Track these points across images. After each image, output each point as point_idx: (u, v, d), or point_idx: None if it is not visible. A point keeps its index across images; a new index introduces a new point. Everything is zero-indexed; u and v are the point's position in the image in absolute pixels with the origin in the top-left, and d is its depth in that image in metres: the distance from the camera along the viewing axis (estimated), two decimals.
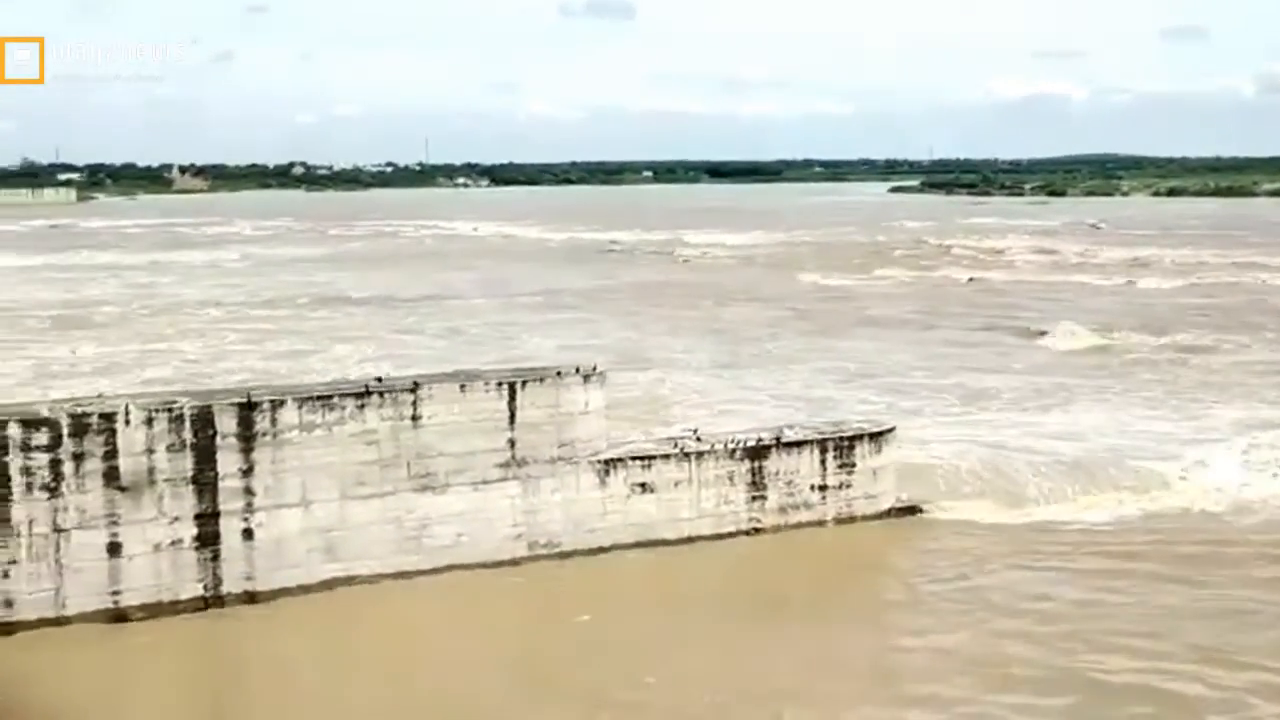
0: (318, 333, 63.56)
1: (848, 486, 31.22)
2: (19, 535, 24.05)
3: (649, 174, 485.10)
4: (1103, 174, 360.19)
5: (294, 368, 50.64)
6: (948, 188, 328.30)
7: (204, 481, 25.41)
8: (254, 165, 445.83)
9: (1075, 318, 66.09)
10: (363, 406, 26.65)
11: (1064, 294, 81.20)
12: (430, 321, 68.45)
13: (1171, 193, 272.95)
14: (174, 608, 25.15)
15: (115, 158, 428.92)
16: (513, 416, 27.94)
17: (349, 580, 26.40)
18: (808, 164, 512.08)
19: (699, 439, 30.39)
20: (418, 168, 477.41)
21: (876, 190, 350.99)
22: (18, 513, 24.03)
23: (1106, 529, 30.92)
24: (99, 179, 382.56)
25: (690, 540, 29.48)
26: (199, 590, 25.45)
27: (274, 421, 25.90)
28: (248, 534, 25.77)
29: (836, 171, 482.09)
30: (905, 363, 54.08)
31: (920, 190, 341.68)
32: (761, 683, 22.55)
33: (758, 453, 30.44)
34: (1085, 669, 22.82)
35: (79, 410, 24.66)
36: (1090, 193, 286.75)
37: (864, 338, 62.53)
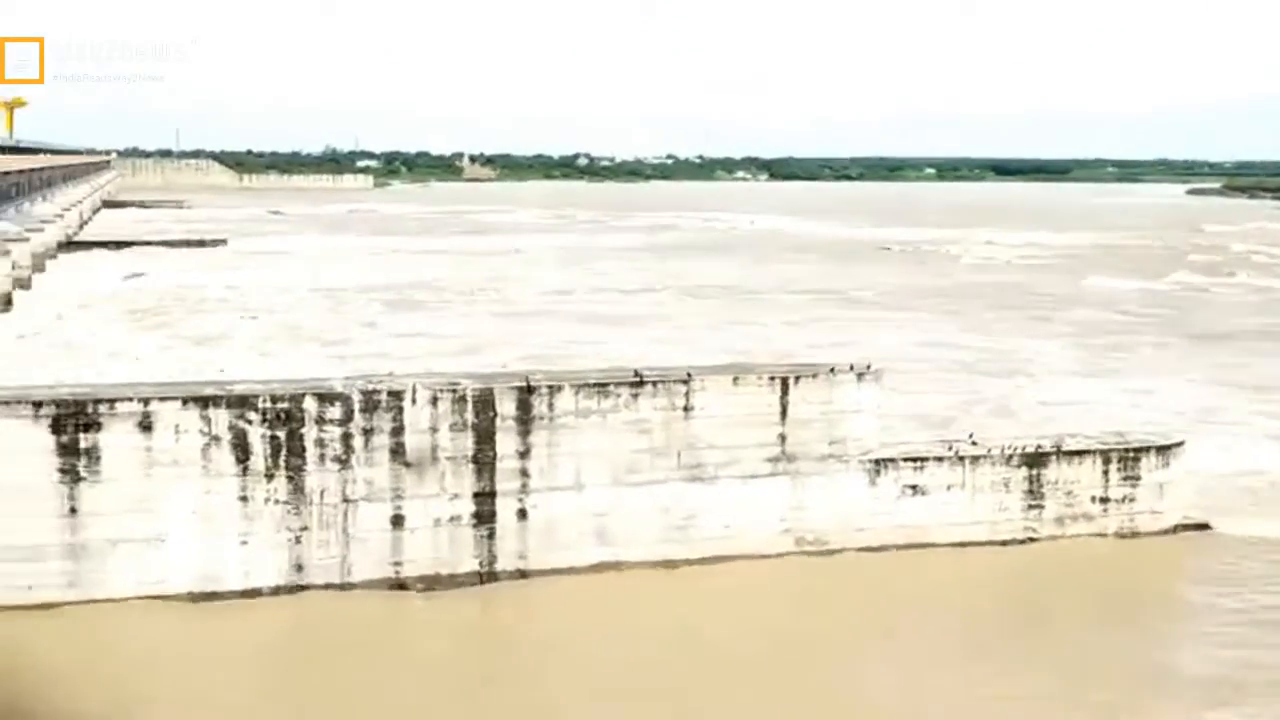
0: (744, 320, 63.96)
1: (1131, 500, 29.92)
2: (311, 504, 25.36)
3: (931, 171, 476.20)
4: None
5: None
6: (1250, 191, 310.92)
7: (483, 461, 26.24)
8: (539, 156, 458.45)
9: None
10: (636, 395, 27.01)
11: None
12: (767, 314, 68.28)
13: None
14: (451, 580, 26.07)
15: (410, 146, 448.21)
16: (784, 411, 27.85)
17: (617, 565, 26.81)
18: (1099, 163, 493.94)
19: (974, 442, 29.65)
20: (698, 161, 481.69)
21: (1173, 192, 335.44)
22: (311, 482, 25.34)
23: None
24: (394, 166, 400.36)
25: (961, 545, 28.79)
26: (474, 565, 26.30)
27: (551, 406, 26.54)
28: (522, 514, 26.48)
29: (1130, 172, 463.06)
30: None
31: (1221, 193, 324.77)
32: (1038, 691, 21.87)
33: (1036, 459, 29.48)
34: None
35: (370, 387, 25.80)
36: None
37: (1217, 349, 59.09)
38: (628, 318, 65.76)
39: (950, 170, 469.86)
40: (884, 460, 28.62)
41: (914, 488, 28.75)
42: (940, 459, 29.04)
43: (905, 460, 28.82)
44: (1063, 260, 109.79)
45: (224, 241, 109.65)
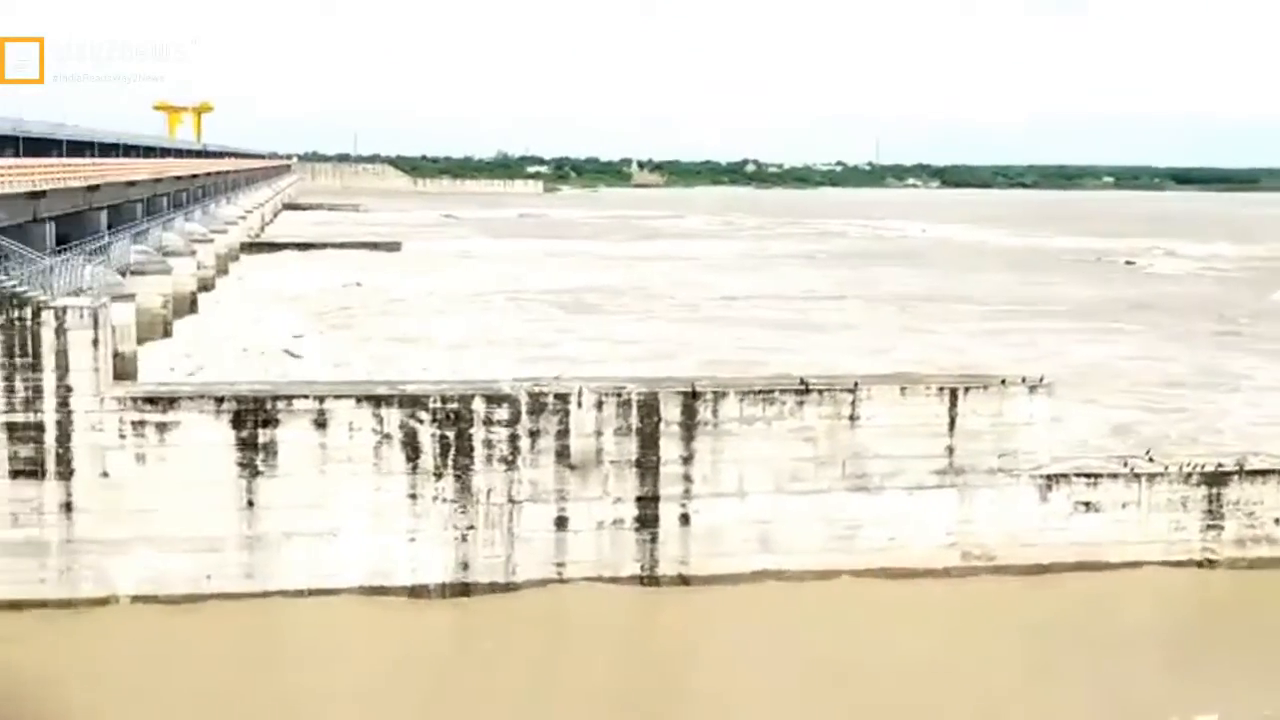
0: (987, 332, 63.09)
1: None
2: (478, 503, 25.77)
3: (1109, 179, 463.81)
4: None
5: None
6: None
7: (646, 466, 26.34)
8: (708, 162, 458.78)
9: None
10: (802, 403, 26.82)
11: None
12: (956, 324, 66.45)
13: None
14: (612, 583, 26.21)
15: (579, 152, 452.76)
16: (952, 423, 27.37)
17: (779, 574, 26.65)
18: None
19: (1151, 459, 28.75)
20: (867, 167, 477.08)
21: None
22: (478, 482, 25.75)
23: None
24: (564, 172, 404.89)
25: (1135, 565, 27.93)
26: (636, 569, 26.41)
27: (715, 412, 26.51)
28: (684, 519, 26.50)
29: None
30: None
31: None
32: None
33: (1216, 479, 28.45)
34: None
35: (537, 389, 26.11)
36: None
37: None
38: (814, 325, 64.59)
39: (1129, 178, 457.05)
40: (1056, 475, 27.92)
41: (1086, 504, 27.98)
42: (1115, 475, 28.21)
43: (1078, 476, 28.07)
44: (1246, 273, 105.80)
45: (398, 245, 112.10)
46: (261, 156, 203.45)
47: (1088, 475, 28.10)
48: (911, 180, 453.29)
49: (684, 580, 26.52)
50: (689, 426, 26.46)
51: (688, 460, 26.50)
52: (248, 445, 24.93)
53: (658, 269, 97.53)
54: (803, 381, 27.26)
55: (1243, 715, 21.56)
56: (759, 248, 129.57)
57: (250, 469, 24.95)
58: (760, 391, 26.87)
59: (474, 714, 21.48)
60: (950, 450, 27.39)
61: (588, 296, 75.76)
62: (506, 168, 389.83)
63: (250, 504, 24.97)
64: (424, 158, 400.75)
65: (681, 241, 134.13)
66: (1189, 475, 28.35)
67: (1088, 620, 25.85)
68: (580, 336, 58.32)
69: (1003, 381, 27.97)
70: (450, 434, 25.61)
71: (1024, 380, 28.03)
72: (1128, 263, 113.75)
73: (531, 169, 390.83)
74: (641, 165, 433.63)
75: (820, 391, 26.96)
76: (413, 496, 25.58)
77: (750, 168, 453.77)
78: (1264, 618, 26.42)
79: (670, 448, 26.41)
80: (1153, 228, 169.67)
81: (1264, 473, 28.62)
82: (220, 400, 24.97)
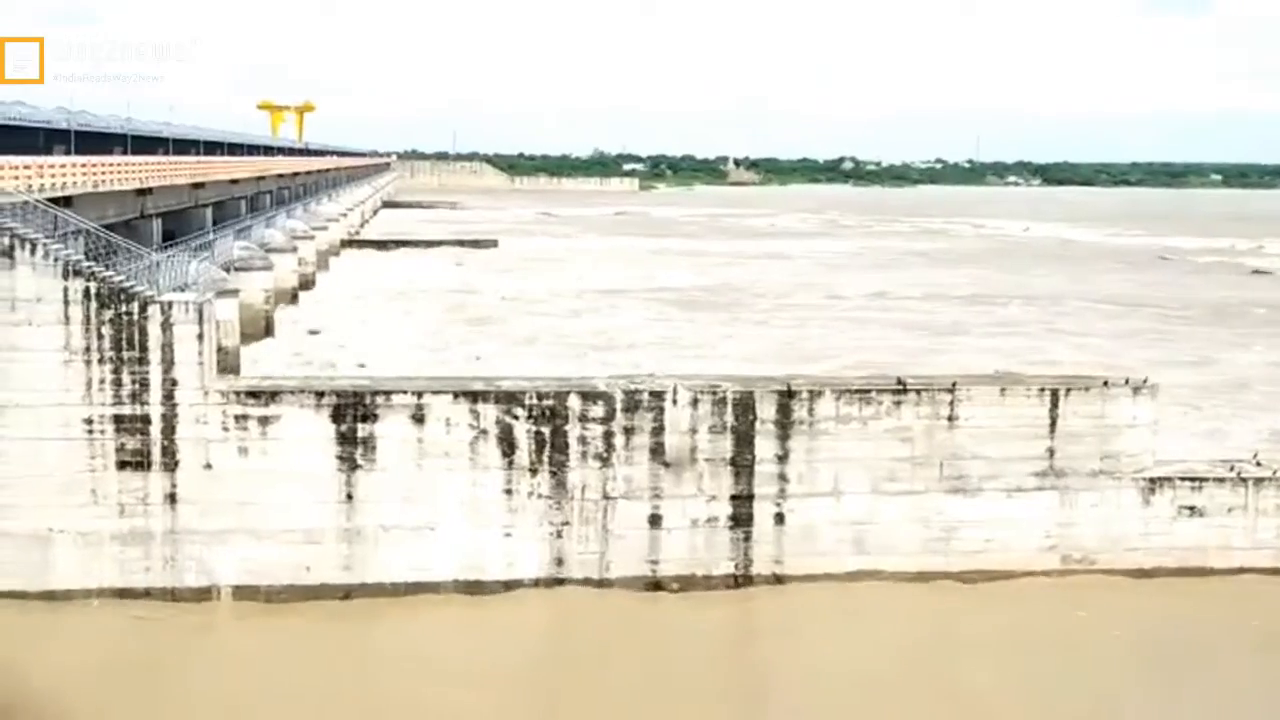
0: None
1: None
2: (573, 499, 25.86)
3: (1217, 177, 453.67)
4: None
5: None
6: None
7: (741, 464, 26.25)
8: (804, 159, 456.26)
9: None
10: (899, 403, 26.57)
11: None
12: (1090, 325, 65.55)
13: None
14: (706, 582, 26.18)
15: (675, 149, 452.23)
16: (1053, 424, 26.94)
17: (874, 574, 26.43)
18: None
19: (1259, 463, 28.08)
20: (967, 165, 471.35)
21: None
22: (573, 478, 25.84)
23: None
24: (660, 170, 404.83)
25: (1241, 571, 27.31)
26: (730, 568, 26.34)
27: (811, 411, 26.35)
28: (779, 518, 26.38)
29: None
30: None
31: None
32: None
33: None
34: None
35: (632, 387, 26.14)
36: None
37: None
38: (947, 327, 63.82)
39: (1238, 176, 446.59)
40: (1159, 479, 27.37)
41: (1191, 509, 27.40)
42: (1221, 480, 27.60)
43: (1182, 480, 27.50)
44: None
45: (495, 243, 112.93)
46: (362, 155, 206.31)
47: (1192, 479, 27.54)
48: (1012, 178, 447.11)
49: (778, 579, 26.40)
50: (784, 425, 26.32)
51: (783, 459, 26.36)
52: (347, 439, 25.26)
53: (780, 267, 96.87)
54: (900, 381, 27.00)
55: None
56: (868, 245, 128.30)
57: (349, 463, 25.27)
58: (857, 391, 26.65)
59: (571, 713, 21.52)
60: (1051, 452, 26.96)
61: (718, 296, 75.04)
62: (603, 165, 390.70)
63: (349, 497, 25.29)
64: (521, 155, 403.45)
65: (789, 240, 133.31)
66: None
67: (1193, 626, 25.36)
68: (731, 338, 57.66)
69: (1105, 383, 27.49)
70: (546, 430, 25.73)
71: (1127, 381, 27.54)
72: (1244, 264, 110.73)
73: (628, 166, 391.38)
74: (738, 163, 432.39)
75: (918, 391, 26.68)
76: (508, 492, 25.74)
77: (848, 165, 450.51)
78: None
79: (765, 446, 26.29)
80: (1266, 228, 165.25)
81: None
82: (320, 395, 25.33)
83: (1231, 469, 27.83)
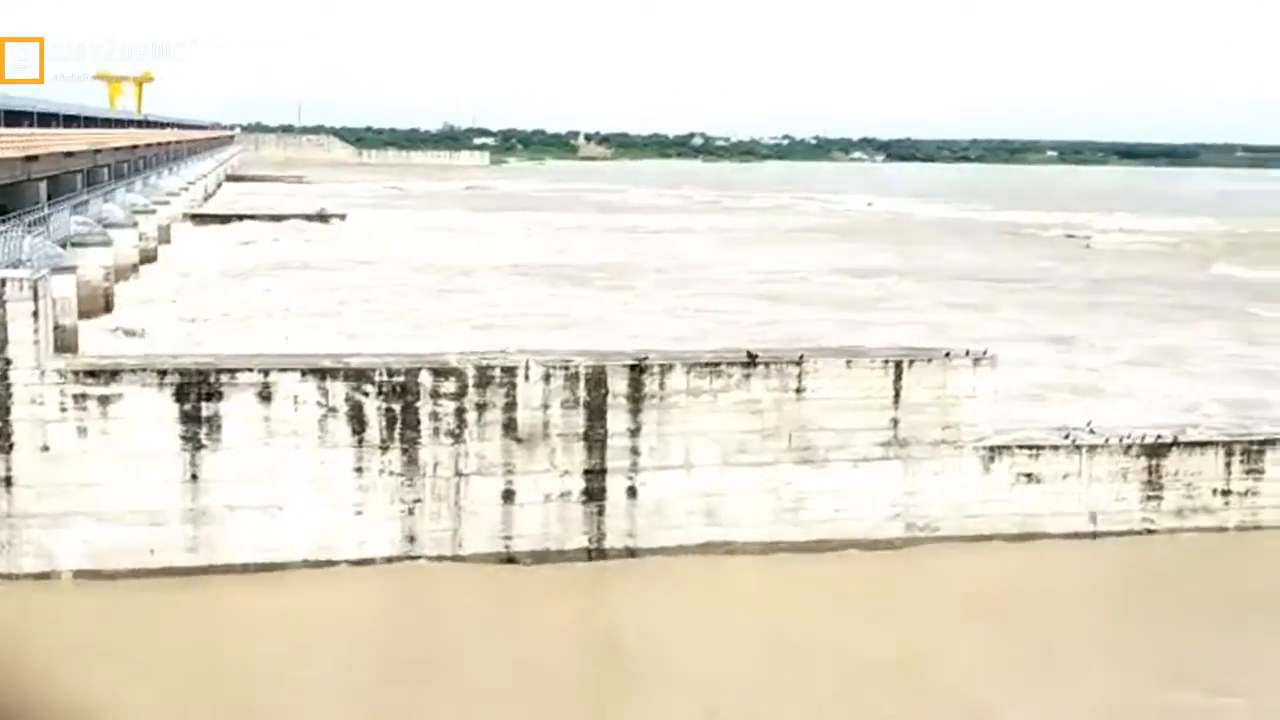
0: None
1: (1254, 493, 29.17)
2: (425, 476, 25.69)
3: (1053, 154, 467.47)
4: None
5: None
6: None
7: (594, 439, 26.34)
8: (655, 135, 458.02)
9: None
10: (748, 376, 26.90)
11: None
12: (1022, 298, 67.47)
13: None
14: (560, 556, 26.24)
15: (526, 124, 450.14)
16: (897, 395, 27.55)
17: (725, 546, 26.78)
18: (1228, 149, 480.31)
19: (1092, 431, 29.09)
20: (814, 141, 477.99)
21: None
22: (425, 455, 25.66)
23: None
24: (510, 144, 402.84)
25: (1075, 536, 28.31)
26: (583, 542, 26.44)
27: (662, 385, 26.54)
28: (632, 492, 26.55)
29: (1261, 157, 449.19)
30: None
31: None
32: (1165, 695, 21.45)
33: (1156, 450, 28.84)
34: None
35: (484, 363, 26.03)
36: None
37: None
38: (860, 300, 65.15)
39: (1072, 154, 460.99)
40: (998, 447, 28.19)
41: (1029, 476, 28.29)
42: (1056, 447, 28.53)
43: (1020, 448, 28.36)
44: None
45: (343, 216, 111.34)
46: (204, 128, 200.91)
47: (1030, 447, 28.38)
48: (858, 154, 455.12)
49: (631, 553, 26.57)
50: (636, 399, 26.47)
51: (635, 433, 26.52)
52: (191, 418, 24.69)
53: (646, 244, 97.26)
54: (749, 354, 27.34)
55: (1190, 672, 21.97)
56: (718, 222, 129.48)
57: (194, 442, 24.71)
58: (707, 364, 26.91)
59: (424, 682, 21.46)
60: (895, 423, 27.57)
61: (580, 273, 74.99)
62: (453, 140, 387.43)
63: (194, 477, 24.75)
64: (369, 129, 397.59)
65: (646, 216, 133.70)
66: (1129, 447, 28.71)
67: (1031, 590, 26.26)
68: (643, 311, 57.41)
69: (947, 354, 28.18)
70: (397, 407, 25.49)
71: (968, 353, 28.26)
72: (1065, 236, 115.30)
73: (478, 141, 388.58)
74: (588, 138, 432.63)
75: (767, 364, 27.05)
76: (359, 470, 25.45)
77: (697, 141, 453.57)
78: (1201, 584, 26.93)
79: (618, 420, 26.41)
80: (1094, 203, 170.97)
81: (1201, 444, 29.08)
82: (163, 373, 24.70)
83: (1067, 436, 28.75)
